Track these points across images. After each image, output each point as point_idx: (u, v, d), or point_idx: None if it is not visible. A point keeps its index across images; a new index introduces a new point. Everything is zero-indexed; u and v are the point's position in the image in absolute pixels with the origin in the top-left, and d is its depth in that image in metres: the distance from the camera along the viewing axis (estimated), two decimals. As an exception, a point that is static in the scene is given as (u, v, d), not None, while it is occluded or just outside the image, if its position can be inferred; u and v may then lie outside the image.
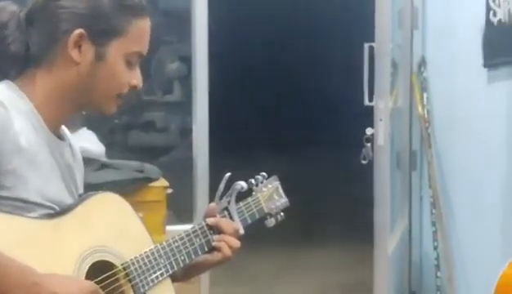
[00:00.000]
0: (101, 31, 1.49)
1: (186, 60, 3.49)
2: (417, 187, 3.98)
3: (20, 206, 1.39)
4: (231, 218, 1.72)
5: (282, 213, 1.85)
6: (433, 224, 3.70)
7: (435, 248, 3.67)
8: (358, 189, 3.47)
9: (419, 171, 3.96)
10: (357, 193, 3.55)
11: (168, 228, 2.95)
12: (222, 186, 1.73)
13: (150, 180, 2.92)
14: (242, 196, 1.75)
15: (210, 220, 1.68)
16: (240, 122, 8.64)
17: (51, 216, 1.44)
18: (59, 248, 1.42)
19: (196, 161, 3.37)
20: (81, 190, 1.62)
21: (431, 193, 3.74)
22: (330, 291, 4.84)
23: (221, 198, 1.73)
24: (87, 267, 1.45)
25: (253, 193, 1.80)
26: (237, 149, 6.95)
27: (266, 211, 1.81)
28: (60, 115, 1.54)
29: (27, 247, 1.35)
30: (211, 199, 3.23)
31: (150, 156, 3.14)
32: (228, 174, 1.72)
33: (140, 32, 1.54)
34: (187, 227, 3.37)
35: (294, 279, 5.11)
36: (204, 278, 3.23)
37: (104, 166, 2.82)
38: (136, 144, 3.41)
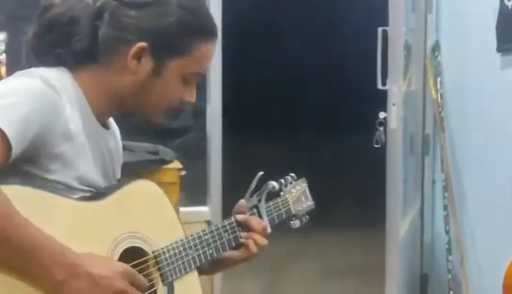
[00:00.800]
0: (163, 49, 1.50)
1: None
2: (430, 171, 3.99)
3: (62, 188, 1.42)
4: (259, 216, 1.74)
5: (308, 216, 1.88)
6: (445, 207, 3.70)
7: (447, 232, 3.67)
8: (371, 173, 3.47)
9: (431, 155, 3.97)
10: (369, 176, 3.55)
11: (182, 209, 2.95)
12: (253, 184, 1.75)
13: (164, 162, 2.93)
14: (271, 195, 1.78)
15: (240, 217, 1.71)
16: (253, 104, 8.65)
17: (90, 199, 1.47)
18: (96, 231, 1.44)
19: (210, 143, 3.40)
20: (118, 176, 1.66)
21: (443, 177, 3.73)
22: (343, 274, 4.86)
23: (252, 195, 1.75)
24: (121, 251, 1.47)
25: (282, 193, 1.83)
26: (250, 131, 6.96)
27: (293, 212, 1.84)
28: (108, 110, 1.58)
29: (67, 227, 1.37)
30: (224, 181, 3.28)
31: (163, 138, 3.15)
32: (261, 173, 1.75)
33: (204, 54, 1.56)
34: (200, 209, 3.42)
35: (308, 262, 5.16)
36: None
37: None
38: (149, 127, 3.41)
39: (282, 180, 1.83)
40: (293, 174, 1.86)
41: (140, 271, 1.50)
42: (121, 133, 2.93)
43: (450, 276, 3.62)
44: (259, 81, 8.93)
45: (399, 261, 3.21)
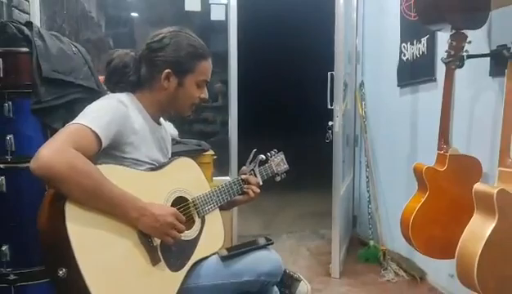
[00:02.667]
0: (181, 70, 1.50)
1: (225, 82, 3.50)
2: (358, 156, 4.00)
3: (135, 162, 1.43)
4: (255, 175, 1.73)
5: (285, 174, 1.84)
6: (367, 177, 3.71)
7: (368, 190, 3.67)
8: (325, 156, 3.49)
9: (359, 147, 3.98)
10: (324, 159, 3.57)
11: (214, 178, 2.98)
12: (251, 157, 1.73)
13: (204, 150, 2.93)
14: (261, 163, 1.76)
15: (243, 176, 1.69)
16: (257, 119, 8.65)
17: (152, 169, 1.47)
18: (156, 188, 1.44)
19: (231, 141, 3.41)
20: (170, 154, 1.65)
21: (366, 159, 3.74)
22: (309, 216, 4.84)
23: (250, 163, 1.74)
24: (172, 199, 1.48)
25: (269, 161, 1.79)
26: (255, 135, 6.97)
27: (275, 172, 1.79)
28: (158, 114, 1.57)
29: (137, 186, 1.37)
30: (239, 163, 3.30)
31: (204, 137, 3.16)
32: (255, 150, 1.74)
33: (205, 68, 1.54)
34: (225, 178, 3.47)
35: (288, 210, 5.15)
36: (234, 210, 3.31)
37: (177, 142, 2.82)
38: (197, 131, 3.45)
39: (269, 153, 1.79)
40: (275, 149, 1.83)
41: (185, 210, 1.51)
42: (180, 134, 2.96)
43: (369, 217, 3.61)
44: (260, 105, 8.96)
45: (340, 208, 3.20)
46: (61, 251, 1.21)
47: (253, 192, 1.68)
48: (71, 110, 1.84)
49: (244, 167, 1.74)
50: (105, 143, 1.33)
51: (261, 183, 1.72)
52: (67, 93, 1.90)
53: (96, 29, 3.52)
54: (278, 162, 1.81)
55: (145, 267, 1.35)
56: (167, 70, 1.49)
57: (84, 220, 1.25)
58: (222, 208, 1.65)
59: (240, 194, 1.69)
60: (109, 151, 1.38)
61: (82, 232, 1.24)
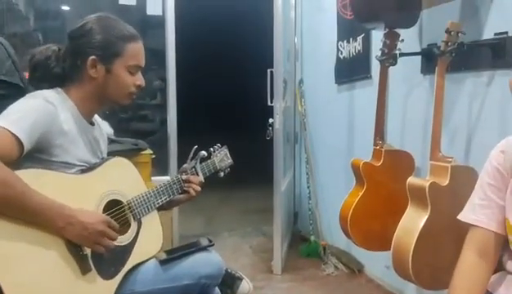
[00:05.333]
0: (106, 55, 1.42)
1: (163, 79, 3.43)
2: (298, 152, 4.05)
3: (64, 165, 1.36)
4: (196, 172, 1.67)
5: (229, 169, 1.80)
6: (307, 173, 3.75)
7: (308, 187, 3.72)
8: (265, 153, 3.50)
9: (299, 144, 4.02)
10: (265, 155, 3.58)
11: (153, 178, 2.91)
12: (191, 154, 1.68)
13: (142, 149, 2.87)
14: (203, 159, 1.72)
15: (184, 177, 1.63)
16: (197, 117, 8.56)
17: (83, 172, 1.40)
18: (86, 192, 1.38)
19: (170, 139, 3.34)
20: (105, 155, 1.58)
21: (306, 156, 3.78)
22: (252, 212, 4.86)
23: (191, 160, 1.68)
24: (105, 203, 1.41)
25: (212, 156, 1.74)
26: (194, 133, 6.89)
27: (218, 168, 1.75)
28: (92, 110, 1.48)
29: (66, 192, 1.31)
30: (179, 161, 3.24)
31: (141, 136, 3.08)
32: (195, 146, 1.67)
33: (135, 51, 1.45)
34: (164, 178, 3.37)
35: (230, 208, 5.15)
36: (175, 209, 3.24)
37: (113, 141, 2.72)
38: (134, 129, 3.35)
39: (211, 149, 1.75)
40: (219, 144, 1.79)
41: (119, 214, 1.44)
42: (116, 133, 2.85)
43: (310, 213, 3.66)
44: (200, 103, 8.88)
45: (281, 205, 3.22)
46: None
47: (195, 190, 1.63)
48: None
49: (185, 165, 1.69)
50: (27, 147, 1.25)
51: (203, 180, 1.67)
52: (-13, 89, 1.77)
53: (23, 23, 3.32)
54: (221, 157, 1.78)
55: (74, 278, 1.29)
56: (91, 57, 1.40)
57: (4, 232, 1.17)
58: (161, 208, 1.60)
59: (180, 193, 1.64)
60: (35, 155, 1.30)
61: (2, 246, 1.16)
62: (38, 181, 1.23)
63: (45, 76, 1.45)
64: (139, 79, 1.47)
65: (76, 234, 1.28)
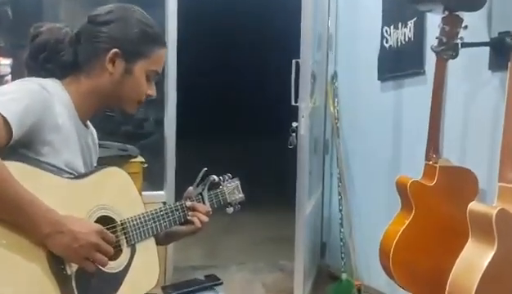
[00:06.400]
0: (131, 53, 1.50)
1: (162, 69, 3.46)
2: (328, 166, 4.04)
3: (50, 169, 1.38)
4: (203, 201, 1.70)
5: (239, 205, 1.82)
6: (339, 193, 3.74)
7: (340, 211, 3.71)
8: (286, 166, 3.49)
9: (330, 155, 4.02)
10: (285, 169, 3.58)
11: (144, 193, 2.88)
12: (199, 177, 1.72)
13: (131, 156, 2.89)
14: (211, 186, 1.75)
15: (188, 204, 1.66)
16: (200, 117, 8.61)
17: (73, 178, 1.44)
18: (75, 202, 1.41)
19: (167, 144, 3.37)
20: (95, 164, 1.63)
21: (338, 171, 3.77)
22: (265, 242, 4.86)
23: (198, 185, 1.72)
24: (95, 218, 1.44)
25: (221, 186, 1.77)
26: (197, 137, 6.91)
27: (228, 201, 1.78)
28: (90, 110, 1.54)
29: (52, 197, 1.33)
30: (176, 173, 3.26)
31: (132, 140, 3.11)
32: (205, 169, 1.72)
33: (159, 56, 1.55)
34: (158, 193, 3.38)
35: (239, 235, 5.15)
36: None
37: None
38: (123, 132, 3.37)
39: (221, 177, 1.78)
40: (229, 174, 1.82)
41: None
42: (99, 135, 2.89)
43: (342, 243, 3.65)
44: (206, 100, 8.92)
45: (305, 233, 3.22)
46: None
47: (200, 221, 1.66)
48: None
49: (190, 189, 1.72)
50: (17, 134, 1.29)
51: (210, 210, 1.71)
52: None
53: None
54: (232, 189, 1.82)
55: None
56: (115, 50, 1.48)
57: None
58: (157, 242, 1.63)
59: (182, 224, 1.67)
60: (20, 150, 1.34)
61: None
62: (23, 177, 1.26)
63: (49, 61, 1.51)
64: (152, 88, 1.58)
65: (64, 245, 1.29)
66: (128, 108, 1.55)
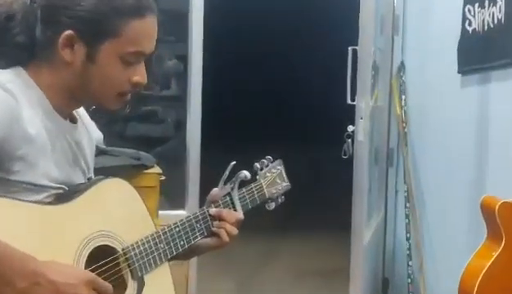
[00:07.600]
0: (91, 33, 1.41)
1: (182, 58, 3.48)
2: (393, 182, 4.01)
3: (30, 188, 1.36)
4: (232, 203, 1.67)
5: (283, 196, 1.80)
6: (407, 216, 3.73)
7: (407, 239, 3.70)
8: (339, 181, 3.49)
9: (395, 167, 4.00)
10: (337, 185, 3.57)
11: (161, 212, 2.95)
12: (226, 172, 1.68)
13: (146, 167, 2.90)
14: (244, 183, 1.70)
15: (212, 211, 1.64)
16: (230, 118, 8.64)
17: (59, 200, 1.41)
18: (61, 235, 1.38)
19: (189, 152, 3.40)
20: (91, 166, 1.60)
21: (406, 188, 3.76)
22: (311, 276, 4.82)
23: (225, 183, 1.68)
24: (89, 252, 1.40)
25: (257, 177, 1.75)
26: (227, 143, 6.95)
27: (267, 196, 1.76)
28: (66, 105, 1.49)
29: (29, 234, 1.31)
30: (201, 187, 3.28)
31: (146, 146, 3.14)
32: (233, 162, 1.67)
33: (136, 32, 1.44)
34: (178, 212, 3.39)
35: (277, 265, 5.13)
36: (192, 262, 3.24)
37: (102, 152, 2.74)
38: (133, 135, 3.40)
39: (257, 164, 1.76)
40: (269, 156, 1.80)
41: (110, 269, 1.44)
42: (106, 139, 2.92)
43: (409, 280, 3.63)
44: (236, 96, 8.95)
45: (363, 265, 3.21)
46: None
47: (228, 233, 1.63)
48: None
49: (214, 190, 1.70)
50: None
51: (242, 217, 1.68)
52: None
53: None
54: (273, 178, 1.80)
55: None
56: (67, 32, 1.40)
57: None
58: (175, 257, 1.61)
59: (205, 237, 1.65)
60: None
61: None
62: None
63: (1, 42, 1.46)
64: (138, 73, 1.49)
65: None
66: (106, 104, 1.50)
